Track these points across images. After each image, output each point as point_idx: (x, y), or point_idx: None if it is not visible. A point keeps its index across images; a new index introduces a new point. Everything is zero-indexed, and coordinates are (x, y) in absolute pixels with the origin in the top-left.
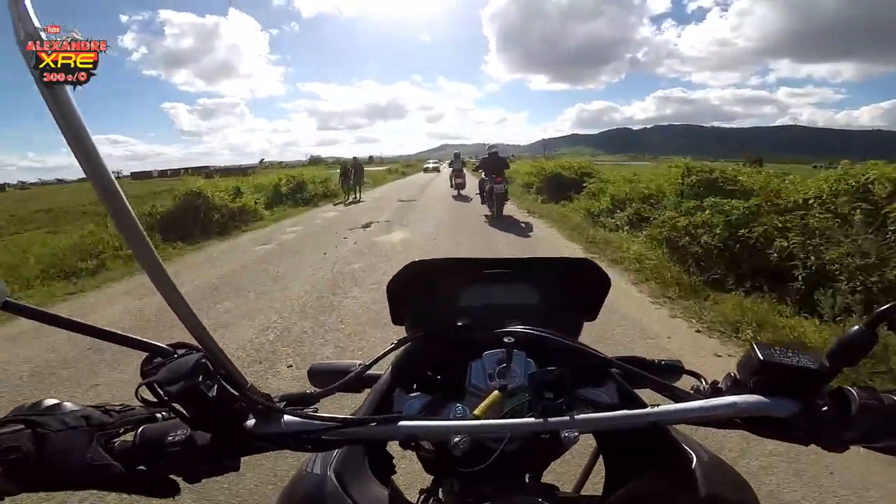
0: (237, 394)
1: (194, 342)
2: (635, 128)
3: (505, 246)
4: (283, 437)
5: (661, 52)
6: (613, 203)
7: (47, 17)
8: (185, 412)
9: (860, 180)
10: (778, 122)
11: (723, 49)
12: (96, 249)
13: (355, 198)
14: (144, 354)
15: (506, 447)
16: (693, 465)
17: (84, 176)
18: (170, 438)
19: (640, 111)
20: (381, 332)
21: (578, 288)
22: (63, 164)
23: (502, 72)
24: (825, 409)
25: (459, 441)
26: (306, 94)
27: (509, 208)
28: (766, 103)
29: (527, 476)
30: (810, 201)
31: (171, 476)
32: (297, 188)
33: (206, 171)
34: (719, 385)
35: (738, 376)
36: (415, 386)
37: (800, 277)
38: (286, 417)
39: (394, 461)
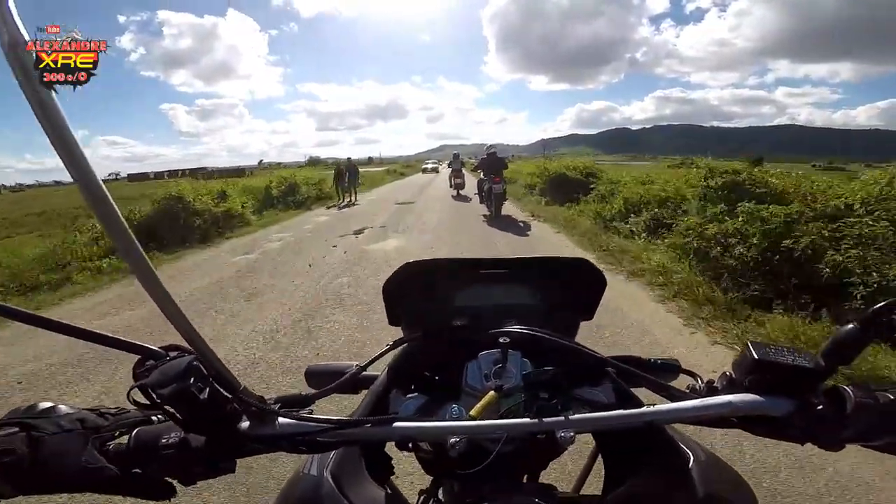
0: (230, 396)
1: (187, 345)
2: (634, 128)
3: (509, 255)
4: (277, 439)
5: (661, 52)
6: (627, 207)
7: (45, 18)
8: (177, 414)
9: None
10: (776, 122)
11: (721, 49)
12: (63, 260)
13: (350, 200)
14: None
15: (503, 448)
16: (690, 465)
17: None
18: (164, 441)
19: (639, 111)
20: None
21: (575, 287)
22: (61, 165)
23: (502, 72)
24: (820, 407)
25: (456, 442)
26: (305, 95)
27: (511, 210)
28: (764, 103)
29: (525, 476)
30: (855, 207)
31: (167, 478)
32: (290, 191)
33: (203, 172)
34: (715, 384)
35: (733, 375)
36: (412, 387)
37: (859, 296)
38: (280, 419)
39: (393, 462)
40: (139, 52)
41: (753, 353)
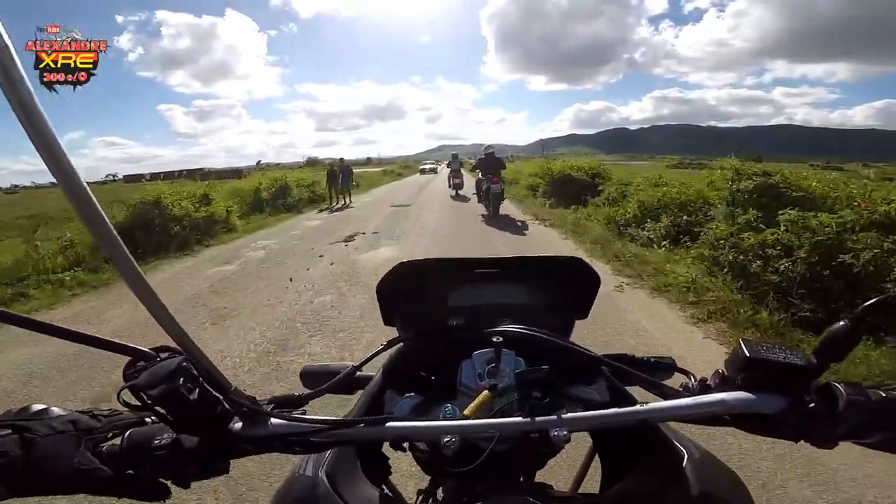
0: (220, 396)
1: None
2: (633, 128)
3: None
4: (269, 440)
5: (659, 52)
6: (642, 211)
7: (42, 17)
8: (167, 415)
9: None
10: (773, 122)
11: (720, 49)
12: (24, 272)
13: (344, 203)
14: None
15: (497, 447)
16: (684, 463)
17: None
18: (156, 442)
19: (637, 111)
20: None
21: (569, 286)
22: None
23: (501, 72)
24: (812, 405)
25: (449, 441)
26: (304, 96)
27: (514, 213)
28: (761, 103)
29: (523, 476)
30: None
31: (161, 480)
32: (280, 193)
33: (200, 173)
34: (708, 382)
35: (726, 373)
36: (408, 387)
37: None
38: (273, 420)
39: (393, 462)
40: (137, 52)
41: (745, 350)
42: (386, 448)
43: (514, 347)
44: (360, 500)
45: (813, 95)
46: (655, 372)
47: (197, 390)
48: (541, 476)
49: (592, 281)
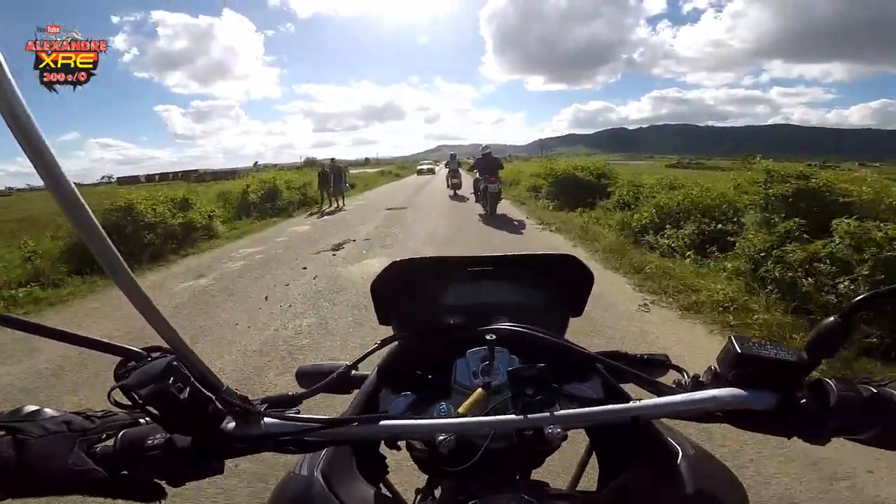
0: (212, 396)
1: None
2: (631, 128)
3: None
4: (262, 439)
5: (657, 52)
6: (660, 216)
7: (37, 17)
8: (158, 415)
9: None
10: (770, 122)
11: (717, 50)
12: None
13: (337, 206)
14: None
15: (493, 445)
16: (679, 460)
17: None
18: (149, 442)
19: (635, 111)
20: None
21: (563, 284)
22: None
23: (499, 72)
24: (804, 401)
25: (444, 439)
26: (302, 96)
27: (517, 217)
28: (759, 103)
29: (519, 474)
30: None
31: (155, 480)
32: (270, 196)
33: (195, 175)
34: (701, 379)
35: (718, 370)
36: (403, 386)
37: None
38: (266, 419)
39: (393, 461)
40: (133, 52)
41: (737, 347)
42: (383, 448)
43: (508, 345)
44: (355, 500)
45: (809, 95)
46: (650, 369)
47: (188, 389)
48: (540, 474)
49: (586, 279)
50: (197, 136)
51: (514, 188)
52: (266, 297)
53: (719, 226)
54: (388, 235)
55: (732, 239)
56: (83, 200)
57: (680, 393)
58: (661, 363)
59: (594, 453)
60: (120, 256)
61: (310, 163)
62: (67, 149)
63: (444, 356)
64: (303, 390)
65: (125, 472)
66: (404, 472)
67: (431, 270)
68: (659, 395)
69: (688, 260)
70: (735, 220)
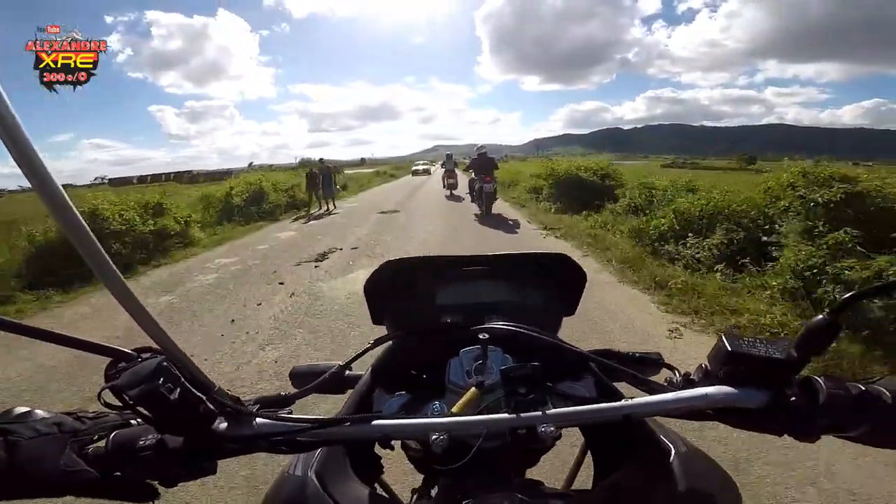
0: (203, 396)
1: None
2: (626, 127)
3: None
4: (254, 439)
5: (652, 52)
6: (681, 222)
7: (30, 17)
8: (149, 415)
9: None
10: (764, 121)
11: (712, 50)
12: None
13: (327, 209)
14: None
15: (486, 444)
16: (671, 458)
17: (61, 182)
18: (141, 443)
19: (630, 111)
20: None
21: (556, 283)
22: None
23: (495, 73)
24: (793, 398)
25: (438, 439)
26: (297, 96)
27: (515, 217)
28: (753, 102)
29: (515, 473)
30: None
31: (148, 481)
32: (255, 198)
33: (188, 176)
34: (692, 377)
35: (708, 367)
36: (397, 385)
37: None
38: (258, 419)
39: (389, 461)
40: (126, 52)
41: (727, 344)
42: (379, 448)
43: (502, 344)
44: (350, 500)
45: (803, 95)
46: (642, 367)
47: (178, 390)
48: (537, 474)
49: (579, 277)
50: (191, 137)
51: (513, 189)
52: (232, 321)
53: (750, 234)
54: (378, 243)
55: (768, 251)
56: (71, 202)
57: (671, 391)
58: (653, 362)
59: (590, 452)
60: (108, 258)
61: (305, 163)
62: (61, 150)
63: (438, 355)
64: (296, 391)
65: (117, 473)
66: (404, 472)
67: (425, 269)
68: (651, 394)
69: (718, 274)
70: (766, 227)
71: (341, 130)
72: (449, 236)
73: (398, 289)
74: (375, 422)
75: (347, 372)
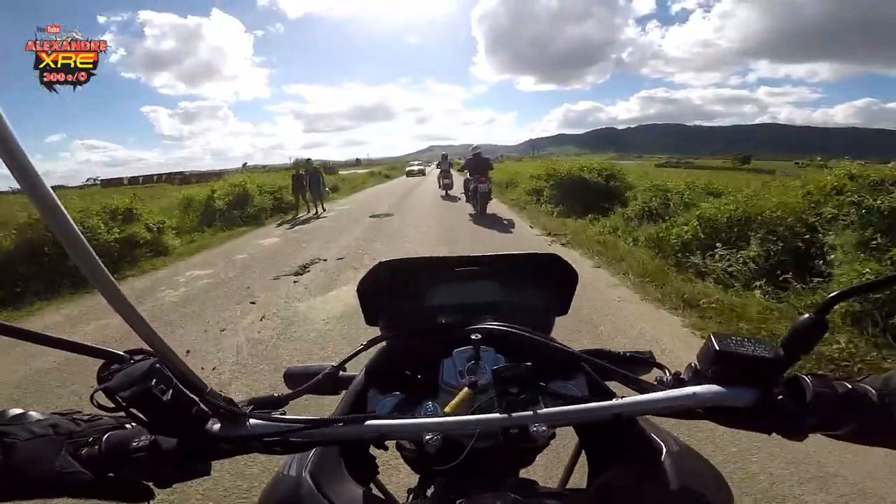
0: (196, 398)
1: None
2: (620, 127)
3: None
4: (248, 440)
5: (646, 52)
6: (706, 231)
7: (22, 17)
8: (142, 417)
9: None
10: (757, 121)
11: (705, 50)
12: None
13: (315, 212)
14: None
15: (479, 444)
16: (663, 456)
17: (54, 183)
18: (134, 444)
19: (624, 111)
20: None
21: (549, 283)
22: (40, 171)
23: (490, 73)
24: (781, 397)
25: (431, 439)
26: (292, 97)
27: (520, 225)
28: (746, 102)
29: (509, 473)
30: None
31: (143, 482)
32: (239, 202)
33: (180, 177)
34: (682, 376)
35: (698, 367)
36: (391, 386)
37: None
38: (251, 420)
39: (377, 462)
40: (119, 53)
41: (715, 344)
42: (374, 448)
43: (494, 344)
44: (344, 500)
45: (796, 95)
46: (633, 367)
47: (171, 391)
48: (532, 473)
49: (571, 278)
50: (185, 138)
51: (511, 191)
52: (188, 352)
53: (787, 245)
54: (366, 253)
55: (813, 265)
56: (60, 203)
57: (661, 390)
58: (644, 361)
59: (584, 452)
60: (99, 260)
61: (299, 164)
62: (53, 150)
63: (431, 356)
64: (290, 391)
65: (112, 475)
66: (401, 472)
67: (418, 270)
68: (641, 393)
69: (758, 291)
70: (807, 237)
71: (336, 131)
72: (441, 236)
73: (391, 289)
74: (369, 422)
75: (341, 373)
